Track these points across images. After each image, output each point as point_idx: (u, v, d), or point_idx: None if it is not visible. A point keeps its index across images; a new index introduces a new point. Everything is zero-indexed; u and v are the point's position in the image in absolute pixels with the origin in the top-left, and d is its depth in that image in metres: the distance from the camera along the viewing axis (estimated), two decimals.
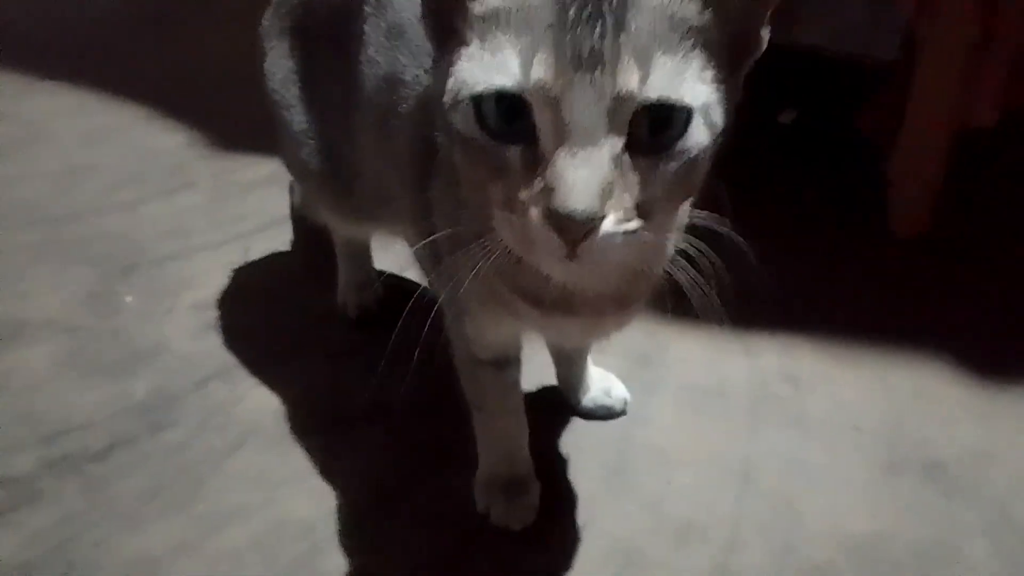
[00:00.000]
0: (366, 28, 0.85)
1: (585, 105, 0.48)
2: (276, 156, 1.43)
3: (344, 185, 0.96)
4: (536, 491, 0.92)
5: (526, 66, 0.49)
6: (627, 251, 0.52)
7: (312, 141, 0.96)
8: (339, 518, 0.92)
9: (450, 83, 0.53)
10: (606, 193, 0.48)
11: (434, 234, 0.71)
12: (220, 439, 1.00)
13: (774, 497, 0.96)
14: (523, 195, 0.50)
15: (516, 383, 0.89)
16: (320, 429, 1.03)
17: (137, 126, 1.68)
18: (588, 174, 0.48)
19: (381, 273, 1.22)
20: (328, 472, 0.97)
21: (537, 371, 1.05)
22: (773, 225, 1.36)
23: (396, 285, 1.22)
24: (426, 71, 0.77)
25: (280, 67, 0.97)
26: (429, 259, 0.82)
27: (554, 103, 0.48)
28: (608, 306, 0.68)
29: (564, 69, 0.48)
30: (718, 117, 0.52)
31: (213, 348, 1.14)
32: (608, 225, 0.49)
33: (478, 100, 0.51)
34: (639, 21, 0.49)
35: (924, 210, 1.37)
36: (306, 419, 1.04)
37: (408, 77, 0.79)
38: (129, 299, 1.21)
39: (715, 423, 1.06)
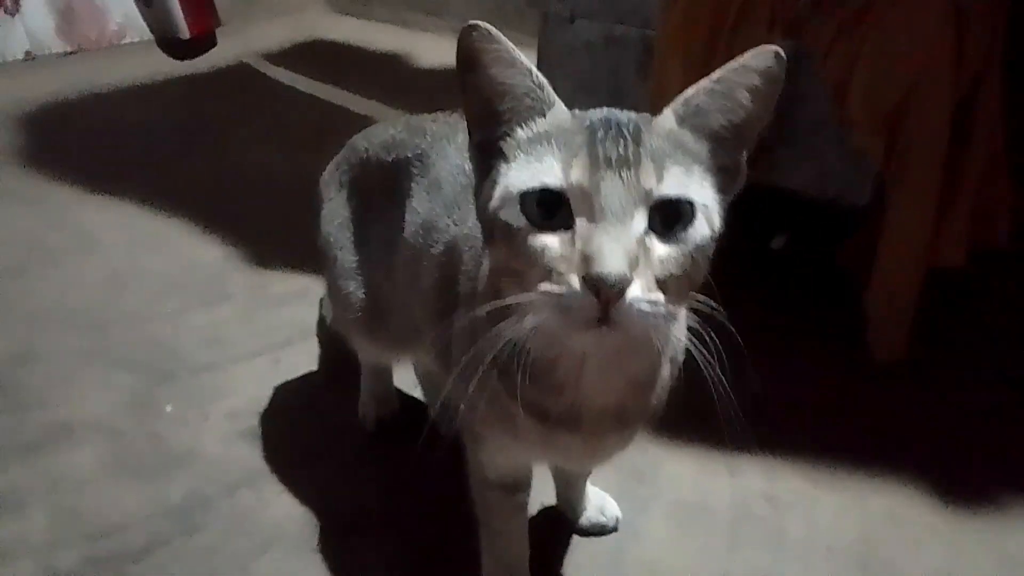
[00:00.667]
0: (412, 184, 1.02)
1: (615, 194, 0.61)
2: (305, 272, 1.59)
3: (380, 317, 1.09)
4: None
5: (566, 169, 0.63)
6: (649, 320, 0.61)
7: (358, 278, 1.10)
8: None
9: (498, 190, 0.65)
10: (633, 263, 0.60)
11: (451, 360, 0.84)
12: (248, 543, 1.10)
13: None
14: (563, 267, 0.61)
15: (523, 506, 0.98)
16: (340, 534, 1.12)
17: (179, 238, 1.84)
18: (619, 246, 0.60)
19: (398, 391, 1.34)
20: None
21: (538, 488, 1.15)
22: (760, 347, 1.49)
23: (411, 402, 1.34)
24: (455, 222, 0.91)
25: (337, 214, 1.13)
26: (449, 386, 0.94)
27: (588, 195, 0.61)
28: (610, 423, 0.77)
29: (596, 169, 0.62)
30: (716, 220, 0.65)
31: (243, 455, 1.25)
32: (635, 290, 0.60)
33: (524, 196, 0.64)
34: (652, 140, 0.63)
35: (900, 340, 1.48)
36: (326, 525, 1.14)
37: (440, 224, 0.94)
38: (169, 408, 1.33)
39: (699, 540, 1.15)
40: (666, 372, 0.78)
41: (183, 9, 2.91)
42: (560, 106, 0.68)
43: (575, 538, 1.15)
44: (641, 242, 0.62)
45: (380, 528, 1.14)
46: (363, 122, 2.53)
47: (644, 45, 1.60)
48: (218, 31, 3.11)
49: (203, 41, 3.02)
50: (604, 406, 0.76)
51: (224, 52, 3.05)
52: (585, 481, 1.16)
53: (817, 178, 1.51)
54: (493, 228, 0.66)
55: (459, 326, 0.83)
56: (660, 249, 0.63)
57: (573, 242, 0.62)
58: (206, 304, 1.60)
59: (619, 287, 0.59)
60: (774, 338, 1.55)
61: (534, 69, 0.67)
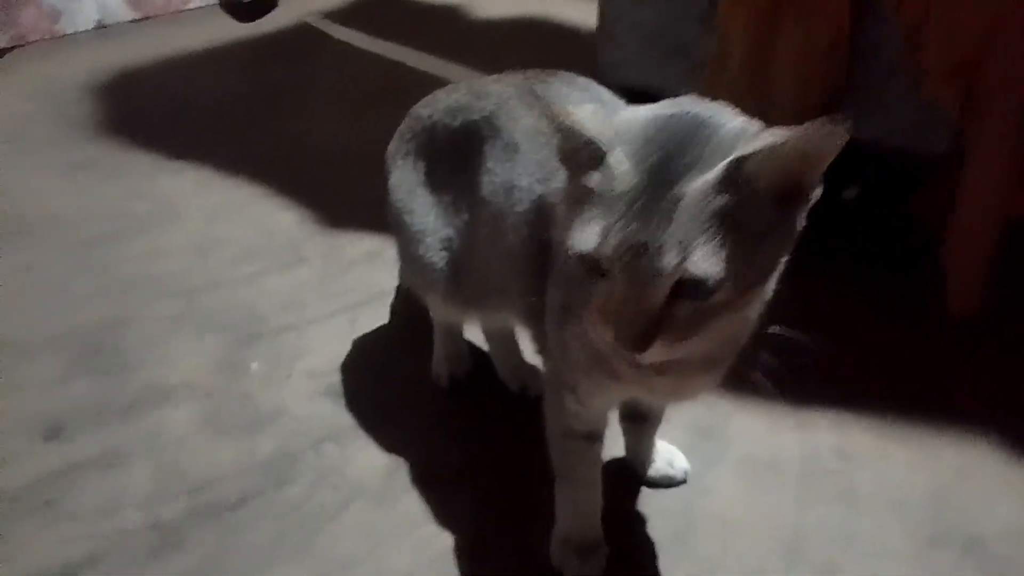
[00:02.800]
0: (485, 147, 1.05)
1: (639, 276, 0.65)
2: (376, 234, 1.63)
3: (455, 278, 1.13)
4: (604, 554, 1.06)
5: (603, 238, 0.66)
6: (674, 356, 0.69)
7: (432, 241, 1.14)
8: (433, 570, 1.07)
9: (571, 236, 0.69)
10: (647, 335, 0.66)
11: (543, 317, 0.93)
12: (333, 495, 1.17)
13: (821, 567, 1.07)
14: (600, 317, 0.69)
15: (600, 456, 1.03)
16: (418, 488, 1.18)
17: (255, 203, 1.90)
18: (633, 323, 0.66)
19: (471, 346, 1.39)
20: (423, 527, 1.12)
21: (608, 444, 1.19)
22: (832, 301, 1.49)
23: (484, 359, 1.38)
24: (539, 181, 0.96)
25: (405, 180, 1.17)
26: (540, 345, 1.01)
27: (616, 268, 0.66)
28: (699, 367, 0.81)
29: (623, 251, 0.65)
30: (749, 275, 0.66)
31: (325, 412, 1.31)
32: (654, 351, 0.67)
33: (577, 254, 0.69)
34: (684, 215, 0.64)
35: (977, 294, 1.45)
36: (405, 479, 1.20)
37: (523, 183, 0.98)
38: (254, 366, 1.40)
39: (769, 495, 1.18)
40: (744, 331, 0.79)
41: None
42: (615, 156, 0.67)
43: (644, 491, 1.19)
44: (663, 309, 0.66)
45: (456, 481, 1.20)
46: (427, 80, 2.56)
47: None
48: None
49: (264, 3, 3.06)
50: (690, 361, 0.79)
51: (286, 13, 3.09)
52: (654, 433, 1.19)
53: (889, 129, 1.48)
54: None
55: (556, 285, 0.90)
56: (685, 310, 0.66)
57: (612, 294, 0.67)
58: (283, 268, 1.66)
59: (637, 351, 0.67)
60: (846, 292, 1.54)
61: (587, 126, 0.68)
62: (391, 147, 1.20)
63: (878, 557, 1.09)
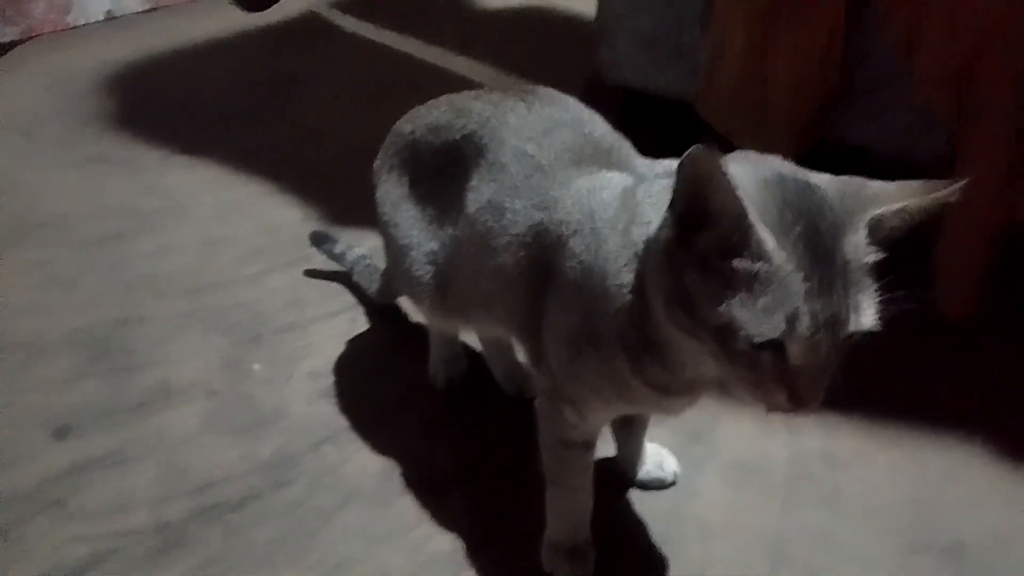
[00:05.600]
0: (468, 165, 1.07)
1: (823, 350, 0.70)
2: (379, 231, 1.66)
3: (441, 289, 1.16)
4: (593, 558, 1.09)
5: (795, 328, 0.68)
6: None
7: (414, 252, 1.16)
8: (427, 571, 1.10)
9: (725, 318, 0.70)
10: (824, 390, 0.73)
11: (539, 335, 0.97)
12: (330, 497, 1.21)
13: (803, 571, 1.10)
14: (769, 384, 0.72)
15: (592, 463, 1.07)
16: (413, 490, 1.22)
17: (261, 200, 1.93)
18: (819, 388, 0.72)
19: (466, 348, 1.42)
20: (418, 529, 1.16)
21: (598, 444, 1.22)
22: None
23: (480, 361, 1.41)
24: (537, 207, 0.97)
25: (390, 195, 1.19)
26: (532, 356, 1.04)
27: (806, 347, 0.69)
28: (710, 386, 0.90)
29: (816, 331, 0.68)
30: None
31: (325, 413, 1.35)
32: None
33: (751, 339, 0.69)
34: (850, 278, 0.70)
35: (969, 297, 1.47)
36: (401, 481, 1.23)
37: (515, 206, 0.99)
38: (257, 367, 1.44)
39: (755, 498, 1.21)
40: None
41: None
42: (769, 240, 0.68)
43: (633, 493, 1.22)
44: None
45: (451, 483, 1.24)
46: (434, 72, 2.57)
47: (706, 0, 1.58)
48: None
49: None
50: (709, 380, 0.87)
51: (293, 3, 3.10)
52: (644, 435, 1.22)
53: (883, 133, 1.49)
54: (705, 328, 0.72)
55: (569, 311, 0.92)
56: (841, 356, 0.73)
57: (785, 362, 0.70)
58: (287, 265, 1.69)
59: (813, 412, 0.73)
60: None
61: (748, 205, 0.67)
62: (376, 162, 1.23)
63: (860, 562, 1.12)
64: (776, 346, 0.69)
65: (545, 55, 2.61)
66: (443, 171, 1.12)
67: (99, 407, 1.36)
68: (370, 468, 1.26)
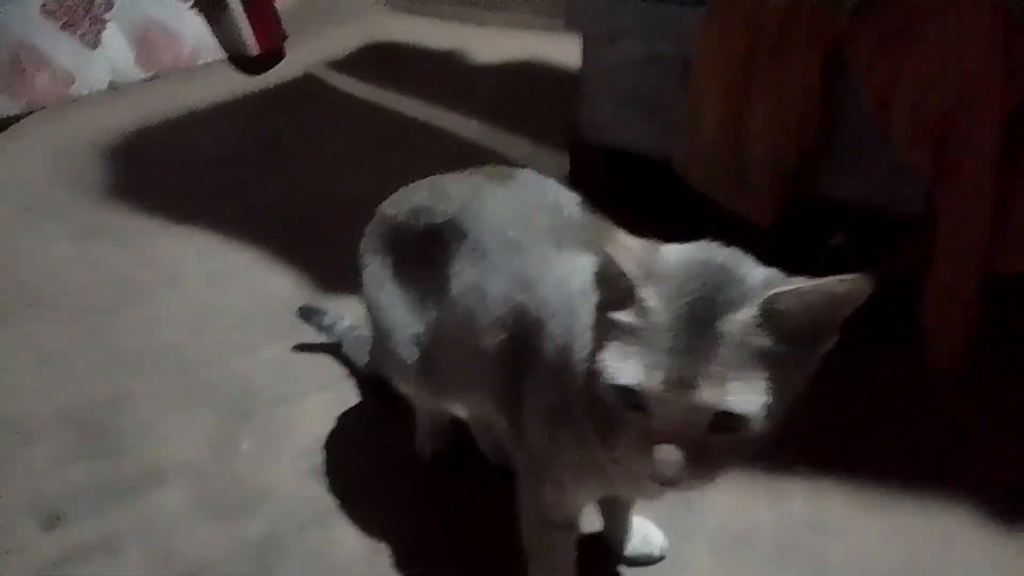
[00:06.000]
0: (450, 249, 1.09)
1: (676, 413, 0.69)
2: None
3: (425, 369, 1.17)
4: None
5: (647, 375, 0.69)
6: (701, 486, 0.74)
7: (398, 335, 1.17)
8: None
9: (600, 359, 0.73)
10: (685, 469, 0.70)
11: (519, 414, 0.98)
12: None
13: None
14: (636, 445, 0.72)
15: (575, 543, 1.06)
16: (400, 569, 1.22)
17: (253, 267, 1.95)
18: (673, 461, 0.70)
19: (456, 420, 1.42)
20: None
21: (585, 519, 1.21)
22: None
23: (467, 433, 1.41)
24: (518, 289, 0.98)
25: (375, 277, 1.21)
26: (513, 434, 1.04)
27: (658, 406, 0.70)
28: None
29: (667, 387, 0.68)
30: (780, 408, 0.70)
31: (312, 493, 1.35)
32: (685, 485, 0.72)
33: (614, 386, 0.72)
34: (723, 351, 0.68)
35: (956, 350, 1.46)
36: (389, 560, 1.23)
37: (497, 290, 1.01)
38: (245, 446, 1.45)
39: (744, 570, 1.19)
40: None
41: (250, 26, 3.02)
42: (648, 292, 0.71)
43: (620, 569, 1.21)
44: (699, 443, 0.70)
45: (438, 561, 1.23)
46: (424, 130, 2.61)
47: (685, 62, 1.60)
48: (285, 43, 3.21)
49: (271, 55, 3.13)
50: None
51: (291, 64, 3.16)
52: (630, 511, 1.21)
53: (863, 189, 1.49)
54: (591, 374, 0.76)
55: (547, 391, 0.93)
56: (718, 443, 0.70)
57: (648, 424, 0.71)
58: (278, 337, 1.70)
59: (672, 484, 0.71)
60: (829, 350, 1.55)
61: (622, 258, 0.71)
62: (363, 243, 1.24)
63: None
64: (641, 408, 0.70)
65: (534, 111, 2.64)
66: (425, 254, 1.13)
67: (89, 491, 1.37)
68: (357, 549, 1.25)
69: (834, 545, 1.22)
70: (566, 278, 0.94)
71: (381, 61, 3.21)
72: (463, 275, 1.06)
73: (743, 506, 1.28)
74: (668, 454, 0.69)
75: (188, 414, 1.53)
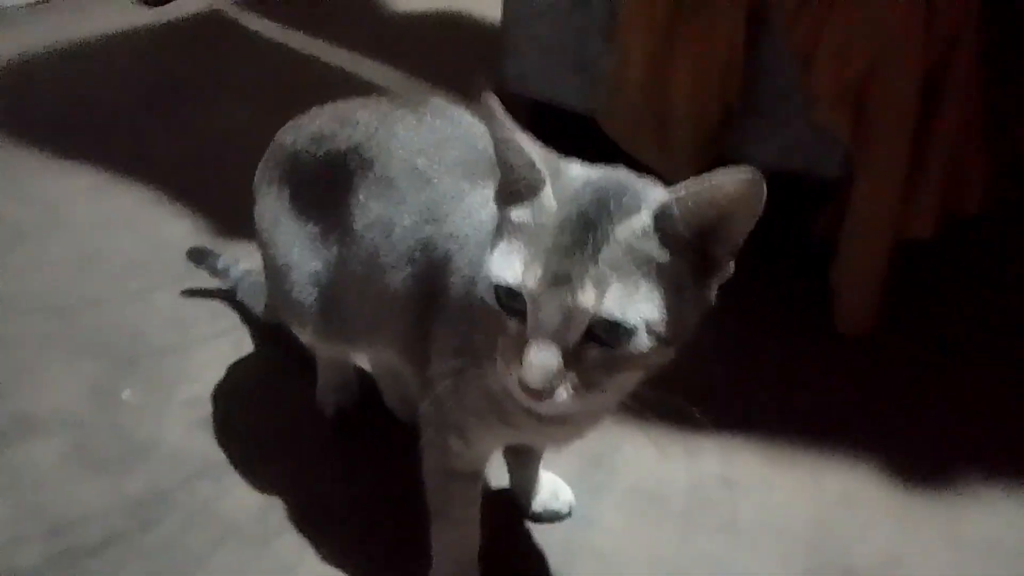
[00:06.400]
0: (354, 179, 1.01)
1: (553, 312, 0.65)
2: None
3: (324, 312, 1.09)
4: None
5: (525, 273, 0.66)
6: (576, 408, 0.70)
7: (294, 274, 1.09)
8: None
9: (485, 265, 0.70)
10: (558, 375, 0.65)
11: (426, 359, 0.91)
12: (204, 537, 1.12)
13: None
14: (510, 353, 0.68)
15: (479, 495, 1.01)
16: (295, 527, 1.14)
17: (147, 211, 1.81)
18: (543, 363, 0.65)
19: (360, 372, 1.34)
20: (299, 569, 1.09)
21: (491, 473, 1.17)
22: (724, 320, 1.48)
23: (372, 386, 1.34)
24: (427, 221, 0.93)
25: (268, 210, 1.12)
26: (419, 382, 0.98)
27: (535, 303, 0.65)
28: (590, 418, 0.85)
29: (545, 283, 0.65)
30: (662, 328, 0.66)
31: (202, 445, 1.26)
32: (558, 396, 0.67)
33: (495, 286, 0.68)
34: (608, 253, 0.64)
35: (865, 313, 1.47)
36: (282, 517, 1.15)
37: (404, 222, 0.94)
38: (126, 395, 1.33)
39: (653, 527, 1.17)
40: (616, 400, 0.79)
41: None
42: (547, 190, 0.68)
43: (527, 525, 1.17)
44: (575, 352, 0.66)
45: (336, 519, 1.16)
46: (341, 77, 2.48)
47: (611, 10, 1.54)
48: None
49: None
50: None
51: None
52: (538, 465, 1.17)
53: (783, 151, 1.48)
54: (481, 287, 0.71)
55: (452, 329, 0.88)
56: (595, 356, 0.66)
57: (523, 334, 0.67)
58: (170, 284, 1.58)
59: (542, 394, 0.66)
60: (739, 310, 1.54)
61: (528, 148, 0.69)
62: (256, 176, 1.15)
63: None
64: (520, 315, 0.67)
65: (454, 63, 2.55)
66: (326, 185, 1.05)
67: None
68: (249, 504, 1.17)
69: (744, 502, 1.21)
70: (476, 209, 0.88)
71: (293, 2, 3.05)
72: (368, 207, 0.99)
73: (655, 463, 1.26)
74: (539, 357, 0.65)
75: (67, 361, 1.40)
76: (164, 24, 2.79)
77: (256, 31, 2.80)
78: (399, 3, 2.99)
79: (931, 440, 1.33)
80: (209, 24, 2.83)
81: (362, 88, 2.42)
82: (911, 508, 1.22)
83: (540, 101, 1.74)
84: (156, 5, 2.85)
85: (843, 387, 1.42)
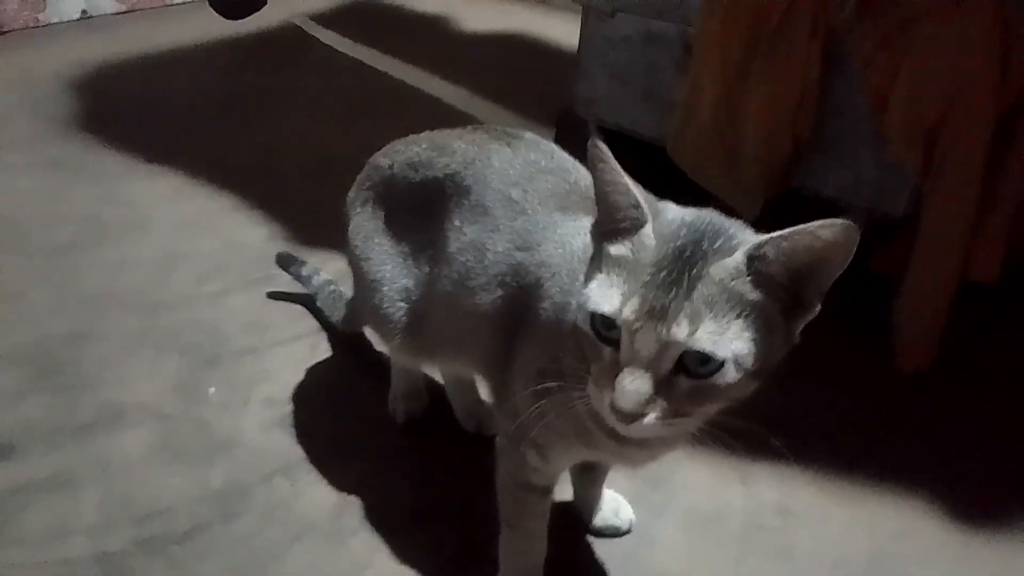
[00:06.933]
0: (450, 204, 1.07)
1: (647, 342, 0.69)
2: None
3: (411, 326, 1.14)
4: None
5: (623, 305, 0.70)
6: (662, 432, 0.74)
7: (385, 288, 1.15)
8: None
9: (584, 293, 0.75)
10: (648, 401, 0.70)
11: (508, 377, 0.97)
12: (282, 532, 1.18)
13: None
14: (604, 380, 0.73)
15: (549, 508, 1.06)
16: (367, 528, 1.19)
17: (226, 215, 1.90)
18: (636, 389, 0.70)
19: (430, 381, 1.40)
20: (370, 570, 1.14)
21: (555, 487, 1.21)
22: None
23: (441, 395, 1.39)
24: (519, 248, 0.98)
25: (363, 228, 1.18)
26: (496, 397, 1.04)
27: (630, 333, 0.70)
28: (668, 443, 0.90)
29: (641, 315, 0.69)
30: (750, 362, 0.70)
31: (279, 443, 1.32)
32: (649, 419, 0.71)
33: (592, 314, 0.73)
34: (702, 290, 0.69)
35: (926, 351, 1.48)
36: (355, 518, 1.21)
37: (498, 247, 1.00)
38: (212, 391, 1.41)
39: (709, 548, 1.20)
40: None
41: None
42: (648, 229, 0.72)
43: (588, 539, 1.21)
44: (666, 380, 0.70)
45: (406, 521, 1.21)
46: (410, 93, 2.56)
47: (682, 42, 1.59)
48: None
49: (252, 1, 3.04)
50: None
51: (273, 13, 3.07)
52: (603, 483, 1.21)
53: (852, 186, 1.50)
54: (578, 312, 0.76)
55: (538, 350, 0.93)
56: (684, 386, 0.70)
57: (617, 361, 0.71)
58: (249, 286, 1.66)
59: (632, 418, 0.70)
60: (801, 343, 1.57)
61: (633, 189, 0.73)
62: (350, 194, 1.21)
63: None
64: (615, 344, 0.72)
65: (520, 84, 2.62)
66: (421, 208, 1.11)
67: (44, 426, 1.32)
68: (324, 503, 1.23)
69: (800, 531, 1.23)
70: (568, 239, 0.93)
71: (366, 19, 3.15)
72: (462, 232, 1.04)
73: (713, 487, 1.29)
74: (632, 382, 0.69)
75: (152, 357, 1.48)
76: (243, 36, 2.91)
77: (329, 45, 2.90)
78: (468, 23, 3.07)
79: (988, 479, 1.33)
80: (285, 37, 2.94)
81: (430, 104, 2.50)
82: (966, 546, 1.23)
83: (607, 126, 1.78)
84: (236, 18, 2.97)
85: (900, 423, 1.43)
